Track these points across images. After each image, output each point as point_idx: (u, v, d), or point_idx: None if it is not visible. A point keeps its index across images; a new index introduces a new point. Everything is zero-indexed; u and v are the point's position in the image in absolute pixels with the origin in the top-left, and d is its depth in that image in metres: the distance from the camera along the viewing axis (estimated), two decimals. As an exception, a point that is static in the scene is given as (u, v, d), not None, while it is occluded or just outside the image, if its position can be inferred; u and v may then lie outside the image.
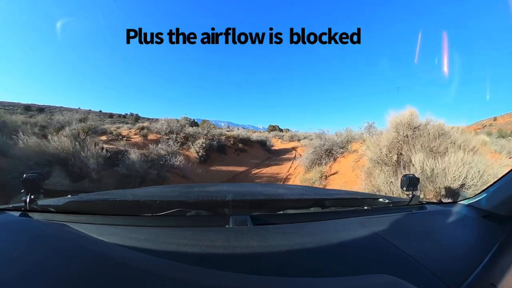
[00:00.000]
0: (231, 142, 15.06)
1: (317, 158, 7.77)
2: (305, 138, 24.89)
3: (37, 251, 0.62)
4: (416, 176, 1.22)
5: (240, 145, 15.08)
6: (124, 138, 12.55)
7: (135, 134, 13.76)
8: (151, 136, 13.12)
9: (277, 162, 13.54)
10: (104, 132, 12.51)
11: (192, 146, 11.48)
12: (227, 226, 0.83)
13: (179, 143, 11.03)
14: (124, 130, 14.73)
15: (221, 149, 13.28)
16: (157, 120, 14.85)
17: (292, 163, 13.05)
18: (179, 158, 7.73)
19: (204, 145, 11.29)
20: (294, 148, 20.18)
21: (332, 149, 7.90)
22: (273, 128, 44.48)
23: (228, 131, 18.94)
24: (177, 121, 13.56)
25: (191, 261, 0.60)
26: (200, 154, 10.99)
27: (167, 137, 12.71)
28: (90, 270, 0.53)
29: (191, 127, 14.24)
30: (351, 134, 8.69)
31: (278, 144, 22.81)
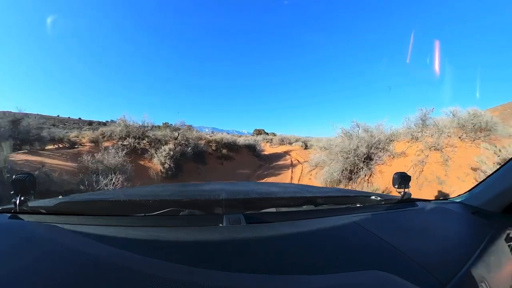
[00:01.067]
0: (213, 148, 11.88)
1: (346, 169, 4.86)
2: (296, 141, 22.52)
3: (27, 253, 0.60)
4: (408, 174, 1.22)
5: (224, 151, 11.93)
6: (76, 146, 9.48)
7: (91, 141, 10.59)
8: (107, 143, 9.95)
9: (273, 172, 10.54)
10: (53, 139, 9.68)
11: (155, 155, 8.17)
12: (220, 225, 0.80)
13: (126, 150, 7.63)
14: (87, 136, 11.64)
15: (200, 157, 10.07)
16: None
17: (292, 172, 10.14)
18: (118, 178, 4.44)
19: (172, 153, 8.01)
20: (287, 153, 17.35)
21: (370, 153, 5.02)
22: (259, 132, 41.58)
23: (210, 135, 15.68)
24: (138, 124, 10.15)
25: (185, 261, 0.58)
26: (166, 165, 7.71)
27: (124, 143, 9.39)
28: (81, 272, 0.52)
29: (159, 131, 10.91)
30: (383, 129, 5.91)
31: (268, 149, 19.95)
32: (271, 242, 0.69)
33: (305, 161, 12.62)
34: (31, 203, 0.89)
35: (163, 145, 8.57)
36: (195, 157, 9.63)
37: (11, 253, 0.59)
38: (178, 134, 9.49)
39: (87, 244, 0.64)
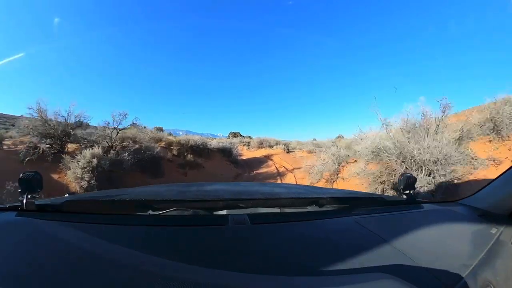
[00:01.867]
0: (174, 153, 8.95)
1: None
2: (277, 144, 20.34)
3: (35, 250, 0.61)
4: (414, 175, 1.20)
5: (189, 156, 9.05)
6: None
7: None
8: (21, 146, 6.83)
9: (255, 184, 7.96)
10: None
11: (70, 165, 5.10)
12: (225, 225, 0.80)
13: (31, 156, 4.53)
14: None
15: (153, 165, 7.13)
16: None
17: (281, 183, 7.67)
18: None
19: (96, 161, 5.00)
20: (268, 157, 14.96)
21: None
22: (234, 135, 38.70)
23: (174, 137, 12.58)
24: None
25: (189, 260, 0.58)
26: (84, 183, 4.71)
27: (36, 146, 6.20)
28: (88, 269, 0.52)
29: (94, 129, 7.71)
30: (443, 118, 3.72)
31: (246, 153, 17.39)
32: (275, 243, 0.70)
33: (294, 169, 10.24)
34: (38, 201, 0.89)
35: (87, 149, 5.49)
36: (144, 166, 6.67)
37: (19, 250, 0.60)
38: (117, 133, 6.43)
39: (93, 242, 0.64)
